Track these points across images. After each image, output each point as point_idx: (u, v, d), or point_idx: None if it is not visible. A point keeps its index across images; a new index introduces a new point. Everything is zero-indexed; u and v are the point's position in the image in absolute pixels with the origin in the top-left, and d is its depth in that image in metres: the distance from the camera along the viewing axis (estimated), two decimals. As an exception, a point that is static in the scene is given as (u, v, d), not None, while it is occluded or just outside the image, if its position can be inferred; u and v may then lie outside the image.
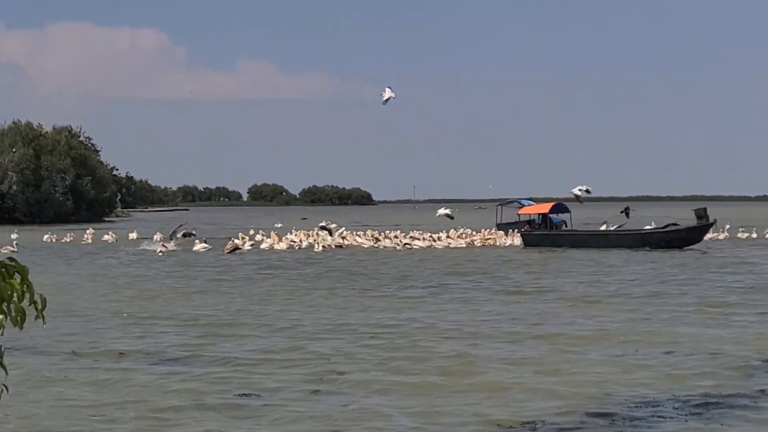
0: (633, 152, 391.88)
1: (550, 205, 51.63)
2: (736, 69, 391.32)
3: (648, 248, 44.54)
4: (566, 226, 52.26)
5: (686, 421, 11.27)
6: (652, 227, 49.94)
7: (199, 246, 46.60)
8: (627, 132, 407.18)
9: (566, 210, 51.31)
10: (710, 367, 14.25)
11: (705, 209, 45.96)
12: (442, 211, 54.33)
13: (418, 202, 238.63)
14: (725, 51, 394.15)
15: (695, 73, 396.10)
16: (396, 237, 50.20)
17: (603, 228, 51.43)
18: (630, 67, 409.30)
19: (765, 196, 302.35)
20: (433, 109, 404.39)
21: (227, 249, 44.99)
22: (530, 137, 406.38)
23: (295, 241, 48.93)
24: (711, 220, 45.78)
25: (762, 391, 12.71)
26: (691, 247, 45.10)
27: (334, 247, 48.19)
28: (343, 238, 50.08)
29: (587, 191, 48.52)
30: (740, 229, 57.27)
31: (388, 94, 37.10)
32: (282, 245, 48.01)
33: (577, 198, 48.89)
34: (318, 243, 48.17)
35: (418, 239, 49.03)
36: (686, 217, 50.37)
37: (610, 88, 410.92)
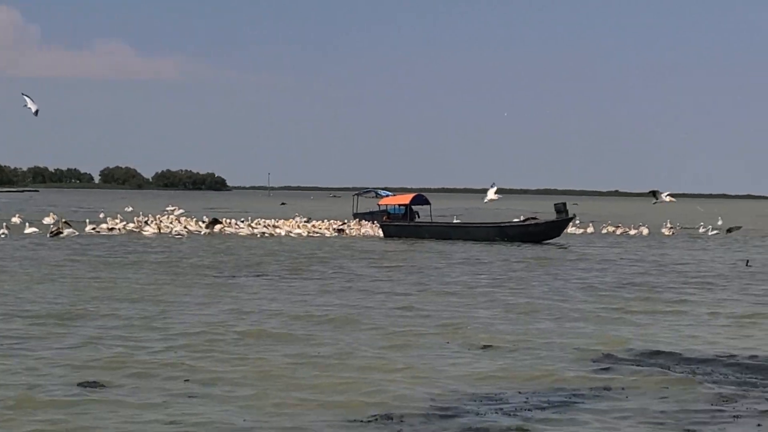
0: (489, 144, 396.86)
1: (411, 196, 51.28)
2: (609, 62, 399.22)
3: (508, 241, 44.61)
4: (419, 218, 51.90)
5: (511, 416, 11.07)
6: (513, 221, 49.95)
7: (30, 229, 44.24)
8: (488, 122, 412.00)
9: (426, 201, 50.89)
10: (533, 363, 14.15)
11: (564, 204, 46.32)
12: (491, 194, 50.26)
13: (273, 188, 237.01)
14: (611, 45, 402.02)
15: (565, 62, 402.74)
16: (258, 224, 49.27)
17: (456, 221, 51.26)
18: (499, 51, 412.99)
19: (617, 191, 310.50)
20: (288, 93, 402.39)
21: (51, 232, 42.62)
22: (388, 126, 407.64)
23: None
24: (570, 214, 46.08)
25: (605, 387, 12.62)
26: (549, 241, 45.36)
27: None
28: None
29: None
30: (603, 224, 57.87)
31: (32, 105, 37.80)
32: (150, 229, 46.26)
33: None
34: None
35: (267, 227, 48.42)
36: (550, 211, 50.30)
37: (474, 75, 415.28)
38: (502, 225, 47.62)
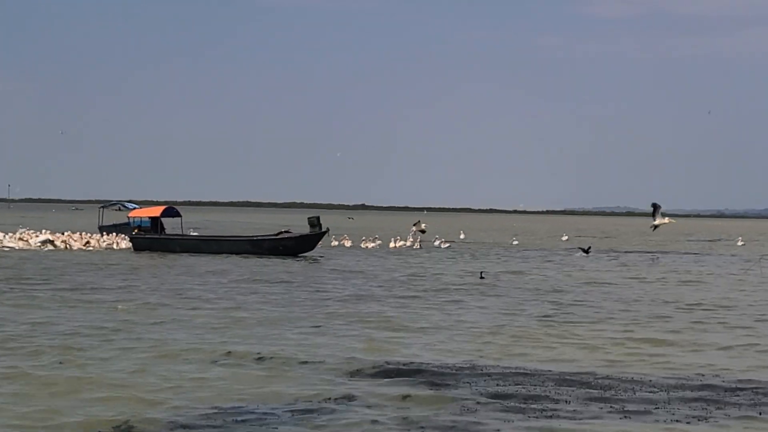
0: (237, 158, 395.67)
1: (161, 208, 50.15)
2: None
3: (261, 255, 44.32)
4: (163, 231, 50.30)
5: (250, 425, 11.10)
6: (266, 234, 49.46)
7: None
8: (233, 136, 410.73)
9: (177, 214, 49.86)
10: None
11: (318, 218, 46.54)
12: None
13: (13, 201, 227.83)
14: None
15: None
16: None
17: (193, 233, 50.61)
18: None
19: (363, 205, 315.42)
20: (32, 102, 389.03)
21: None
22: (131, 138, 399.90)
23: None
24: (324, 228, 46.07)
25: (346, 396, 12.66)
26: (304, 254, 45.17)
27: None
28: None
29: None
30: (363, 238, 58.04)
31: None
32: None
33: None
34: None
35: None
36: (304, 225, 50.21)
37: (221, 86, 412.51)
38: (255, 238, 47.25)
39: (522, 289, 29.50)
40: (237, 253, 44.66)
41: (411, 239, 57.10)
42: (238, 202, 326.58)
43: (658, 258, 50.79)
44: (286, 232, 47.56)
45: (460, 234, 74.05)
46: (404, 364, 15.00)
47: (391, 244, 55.61)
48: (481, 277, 33.62)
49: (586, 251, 51.14)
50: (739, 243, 71.15)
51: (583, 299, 26.78)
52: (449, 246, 57.16)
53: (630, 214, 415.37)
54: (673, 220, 42.68)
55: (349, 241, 56.38)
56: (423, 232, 56.42)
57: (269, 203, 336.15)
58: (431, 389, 13.20)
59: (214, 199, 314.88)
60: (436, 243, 57.96)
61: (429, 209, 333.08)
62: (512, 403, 12.40)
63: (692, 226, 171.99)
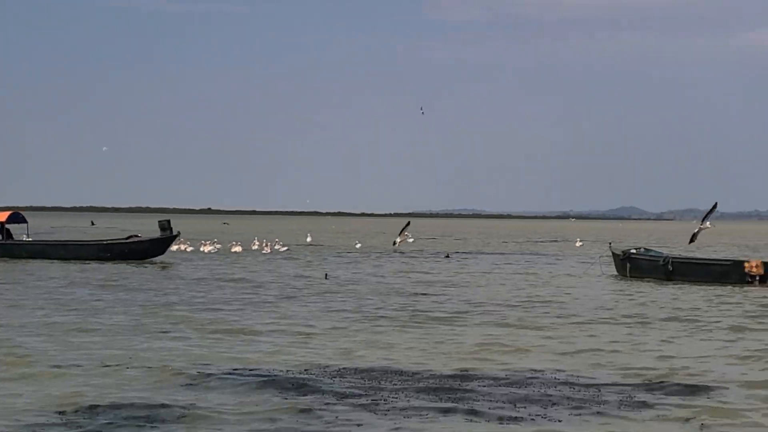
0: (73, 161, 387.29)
1: (6, 214, 48.77)
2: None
3: (111, 259, 43.87)
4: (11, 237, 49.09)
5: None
6: (115, 239, 48.87)
7: None
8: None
9: (24, 220, 48.72)
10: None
11: (168, 221, 45.80)
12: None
13: None
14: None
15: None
16: None
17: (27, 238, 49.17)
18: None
19: (210, 208, 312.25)
20: None
21: None
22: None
23: None
24: (175, 232, 45.60)
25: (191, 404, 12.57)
26: (153, 259, 44.94)
27: None
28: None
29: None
30: (202, 242, 57.47)
31: None
32: None
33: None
34: None
35: None
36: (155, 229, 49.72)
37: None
38: (105, 243, 46.69)
39: (358, 291, 29.94)
40: (87, 259, 44.04)
41: (257, 243, 57.05)
42: (82, 207, 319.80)
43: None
44: (135, 236, 47.13)
45: (307, 237, 74.33)
46: (249, 369, 15.06)
47: (234, 249, 55.34)
48: (326, 278, 34.35)
49: (447, 256, 53.34)
50: (578, 244, 72.88)
51: (423, 299, 27.38)
52: (287, 249, 56.72)
53: (477, 215, 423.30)
54: (710, 226, 43.87)
55: (189, 246, 55.33)
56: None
57: (113, 208, 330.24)
58: (278, 394, 13.24)
59: (57, 204, 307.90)
60: (276, 246, 57.50)
61: (280, 213, 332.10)
62: (360, 402, 12.59)
63: (539, 226, 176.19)
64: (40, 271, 37.41)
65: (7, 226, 47.70)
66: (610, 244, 42.68)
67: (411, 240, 61.20)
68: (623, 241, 74.59)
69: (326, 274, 35.35)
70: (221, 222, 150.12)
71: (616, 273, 38.68)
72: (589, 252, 60.69)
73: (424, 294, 29.36)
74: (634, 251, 39.11)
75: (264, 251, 55.35)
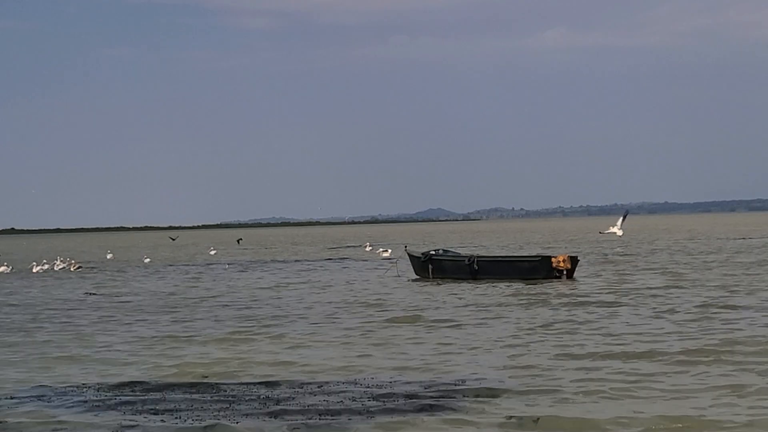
0: None
1: None
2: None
3: None
4: None
5: None
6: None
7: None
8: None
9: None
10: None
11: None
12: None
13: None
14: None
15: None
16: None
17: None
18: None
19: (13, 228, 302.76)
20: None
21: None
22: None
23: None
24: None
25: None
26: None
27: None
28: None
29: None
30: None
31: None
32: None
33: None
34: None
35: None
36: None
37: None
38: None
39: (123, 306, 29.54)
40: None
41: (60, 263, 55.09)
42: None
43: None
44: None
45: (107, 254, 72.63)
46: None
47: (35, 269, 53.17)
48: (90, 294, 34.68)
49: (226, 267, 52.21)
50: (367, 248, 71.32)
51: (198, 312, 26.82)
52: (79, 268, 54.29)
53: (285, 224, 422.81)
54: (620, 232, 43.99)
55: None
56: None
57: None
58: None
59: None
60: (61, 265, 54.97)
61: (81, 230, 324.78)
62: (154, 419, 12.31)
63: (347, 232, 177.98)
64: None
65: None
66: (405, 246, 42.39)
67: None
68: (428, 243, 75.71)
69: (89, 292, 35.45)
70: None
71: (415, 276, 38.26)
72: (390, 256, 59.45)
73: (204, 307, 28.80)
74: (433, 252, 38.86)
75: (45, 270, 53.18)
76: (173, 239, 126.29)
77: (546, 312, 24.12)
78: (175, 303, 30.30)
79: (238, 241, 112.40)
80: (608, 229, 44.17)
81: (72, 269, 54.09)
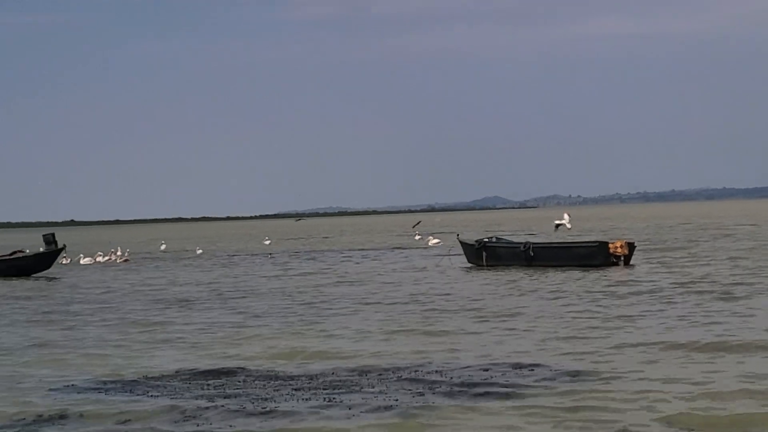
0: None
1: None
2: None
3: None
4: None
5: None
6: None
7: None
8: None
9: None
10: None
11: (53, 234, 44.93)
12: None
13: None
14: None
15: None
16: None
17: None
18: None
19: (74, 220, 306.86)
20: None
21: None
22: None
23: None
24: (60, 245, 44.69)
25: None
26: (40, 273, 43.93)
27: None
28: None
29: None
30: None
31: None
32: None
33: None
34: None
35: None
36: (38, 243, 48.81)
37: None
38: None
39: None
40: None
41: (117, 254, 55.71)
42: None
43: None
44: (20, 251, 45.93)
45: (161, 245, 74.03)
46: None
47: (99, 258, 54.48)
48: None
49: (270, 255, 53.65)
50: (416, 237, 67.18)
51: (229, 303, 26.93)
52: (126, 260, 54.65)
53: (342, 213, 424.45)
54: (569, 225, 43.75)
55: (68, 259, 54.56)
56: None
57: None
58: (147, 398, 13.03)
59: None
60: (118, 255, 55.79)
61: (140, 221, 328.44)
62: (232, 404, 12.43)
63: (404, 221, 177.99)
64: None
65: None
66: (458, 235, 42.30)
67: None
68: (493, 230, 75.77)
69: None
70: (86, 234, 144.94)
71: (468, 264, 38.06)
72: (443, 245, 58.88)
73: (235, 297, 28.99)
74: (486, 240, 38.57)
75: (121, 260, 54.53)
76: (297, 220, 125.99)
77: (605, 299, 23.89)
78: (235, 291, 30.70)
79: (297, 220, 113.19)
80: (560, 220, 44.07)
81: (120, 261, 54.67)
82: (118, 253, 56.25)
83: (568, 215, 44.09)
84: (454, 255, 40.76)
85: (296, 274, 38.50)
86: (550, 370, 14.10)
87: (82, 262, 53.50)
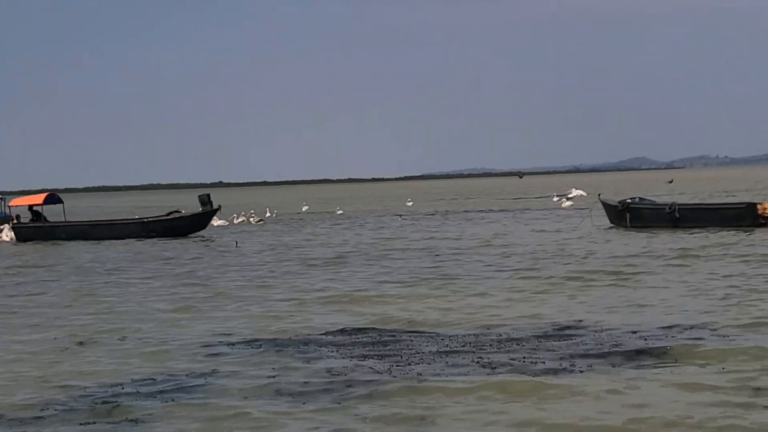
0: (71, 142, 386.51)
1: (42, 196, 49.39)
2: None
3: (155, 236, 43.60)
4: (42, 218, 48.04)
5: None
6: (155, 216, 47.73)
7: None
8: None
9: (59, 201, 49.39)
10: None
11: (209, 195, 45.61)
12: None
13: None
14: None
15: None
16: None
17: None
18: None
19: (222, 182, 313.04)
20: None
21: None
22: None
23: None
24: (216, 206, 45.28)
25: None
26: (196, 234, 44.89)
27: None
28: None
29: None
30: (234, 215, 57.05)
31: None
32: None
33: None
34: None
35: None
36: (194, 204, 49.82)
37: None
38: (147, 220, 46.04)
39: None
40: (129, 237, 43.69)
41: (244, 217, 56.67)
42: (94, 187, 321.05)
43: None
44: (176, 212, 47.09)
45: (303, 206, 75.28)
46: (262, 339, 15.01)
47: (236, 220, 55.53)
48: (237, 246, 35.79)
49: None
50: (555, 198, 66.67)
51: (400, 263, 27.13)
52: (261, 221, 55.89)
53: (486, 175, 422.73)
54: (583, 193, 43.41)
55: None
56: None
57: (125, 186, 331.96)
58: (298, 355, 13.46)
59: (68, 186, 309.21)
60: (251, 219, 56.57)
61: (286, 183, 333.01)
62: (380, 364, 12.69)
63: (549, 182, 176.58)
64: (106, 251, 37.25)
65: (36, 208, 47.89)
66: (599, 195, 41.81)
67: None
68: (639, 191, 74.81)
69: (236, 242, 36.52)
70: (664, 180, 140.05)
71: (610, 225, 37.76)
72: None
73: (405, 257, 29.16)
74: (630, 200, 38.14)
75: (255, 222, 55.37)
76: (670, 182, 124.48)
77: (756, 261, 23.38)
78: (377, 251, 31.21)
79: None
80: (569, 193, 42.29)
81: (254, 222, 55.43)
82: (253, 214, 57.37)
83: (577, 190, 43.06)
84: (596, 215, 40.41)
85: (439, 236, 38.62)
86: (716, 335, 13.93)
87: (215, 224, 52.56)
